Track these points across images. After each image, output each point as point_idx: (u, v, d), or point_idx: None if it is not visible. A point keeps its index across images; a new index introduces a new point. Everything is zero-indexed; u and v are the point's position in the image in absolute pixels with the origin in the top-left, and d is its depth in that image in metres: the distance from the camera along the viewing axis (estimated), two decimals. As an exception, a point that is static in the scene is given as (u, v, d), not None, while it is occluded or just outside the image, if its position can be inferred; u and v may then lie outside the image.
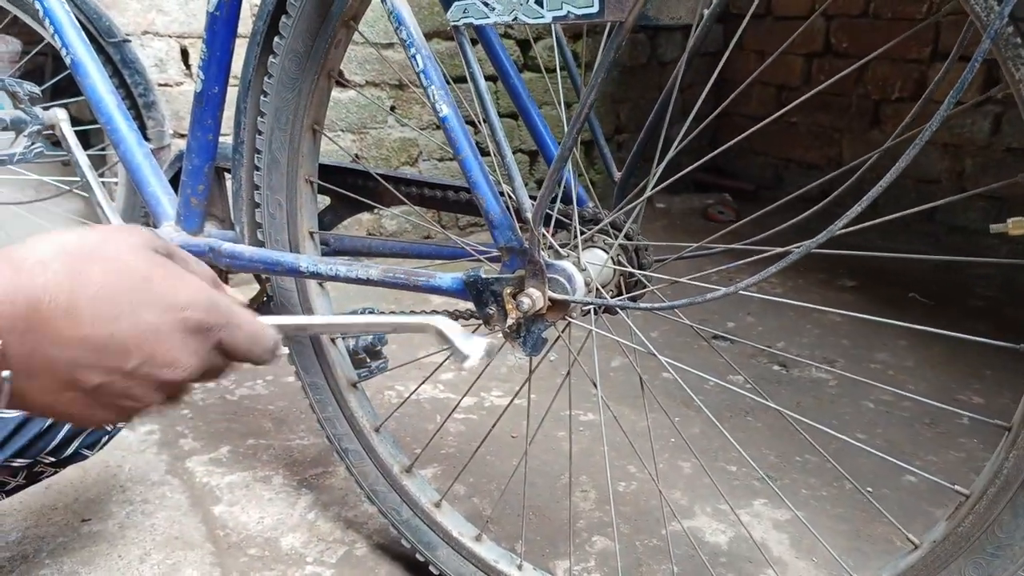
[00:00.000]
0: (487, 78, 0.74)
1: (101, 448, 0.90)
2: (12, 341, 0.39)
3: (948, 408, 0.70)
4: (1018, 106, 0.55)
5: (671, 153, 0.77)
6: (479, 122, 0.75)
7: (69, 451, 0.84)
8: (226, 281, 1.11)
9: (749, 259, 0.75)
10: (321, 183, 0.98)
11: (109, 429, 0.88)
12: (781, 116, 0.76)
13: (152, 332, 0.43)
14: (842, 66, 2.93)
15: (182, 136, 1.82)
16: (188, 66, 1.87)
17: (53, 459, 0.84)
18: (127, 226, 0.47)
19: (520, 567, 0.96)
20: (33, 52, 1.58)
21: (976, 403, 1.61)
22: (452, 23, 0.69)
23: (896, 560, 0.70)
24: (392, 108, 2.34)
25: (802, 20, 3.01)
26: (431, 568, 1.02)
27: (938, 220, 2.74)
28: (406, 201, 0.99)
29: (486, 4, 0.66)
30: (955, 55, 0.62)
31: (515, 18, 0.65)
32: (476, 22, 0.67)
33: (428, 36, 2.28)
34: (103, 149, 1.66)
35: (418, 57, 0.72)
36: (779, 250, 0.62)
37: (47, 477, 0.88)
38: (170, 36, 1.83)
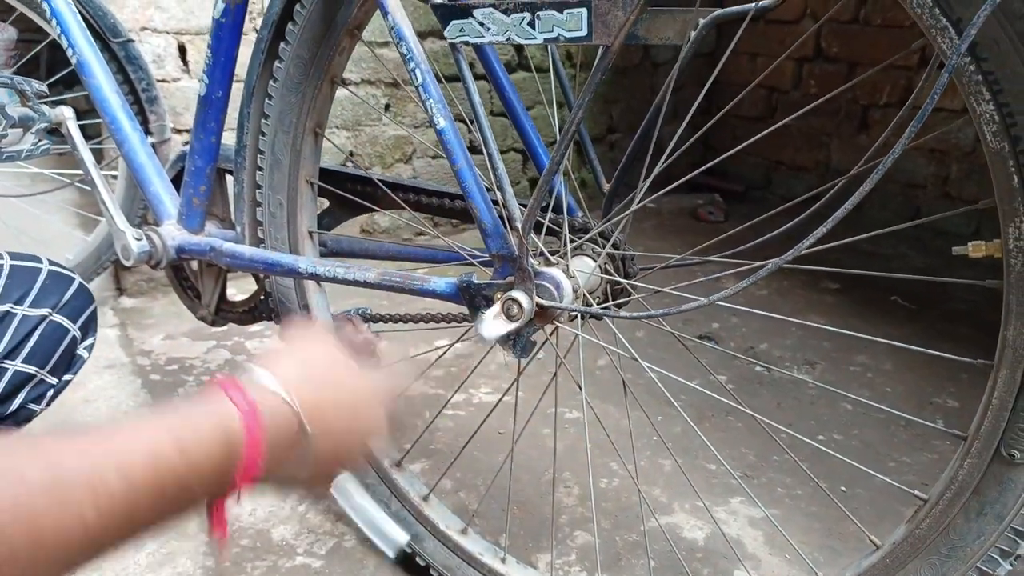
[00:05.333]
0: (478, 78, 0.77)
1: (48, 405, 0.85)
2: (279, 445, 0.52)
3: (915, 420, 0.74)
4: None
5: (659, 168, 0.80)
6: (470, 124, 0.78)
7: (14, 405, 0.80)
8: (226, 280, 1.14)
9: (732, 271, 0.79)
10: (321, 185, 1.01)
11: (54, 383, 0.84)
12: (771, 118, 0.79)
13: (352, 450, 0.60)
14: (832, 70, 2.97)
15: (178, 132, 1.83)
16: (186, 62, 1.88)
17: None
18: (339, 356, 0.60)
19: (504, 560, 1.00)
20: (41, 45, 1.59)
21: (951, 407, 1.66)
22: (449, 41, 0.72)
23: (859, 560, 0.74)
24: (387, 106, 2.36)
25: (794, 24, 3.04)
26: (418, 560, 1.05)
27: (922, 224, 2.79)
28: (405, 206, 1.02)
29: (482, 24, 0.69)
30: (931, 69, 0.65)
31: (508, 38, 0.68)
32: (472, 41, 0.71)
33: (423, 36, 2.30)
34: (100, 143, 1.67)
35: (418, 71, 0.76)
36: (753, 265, 0.66)
37: None
38: (168, 32, 1.84)
